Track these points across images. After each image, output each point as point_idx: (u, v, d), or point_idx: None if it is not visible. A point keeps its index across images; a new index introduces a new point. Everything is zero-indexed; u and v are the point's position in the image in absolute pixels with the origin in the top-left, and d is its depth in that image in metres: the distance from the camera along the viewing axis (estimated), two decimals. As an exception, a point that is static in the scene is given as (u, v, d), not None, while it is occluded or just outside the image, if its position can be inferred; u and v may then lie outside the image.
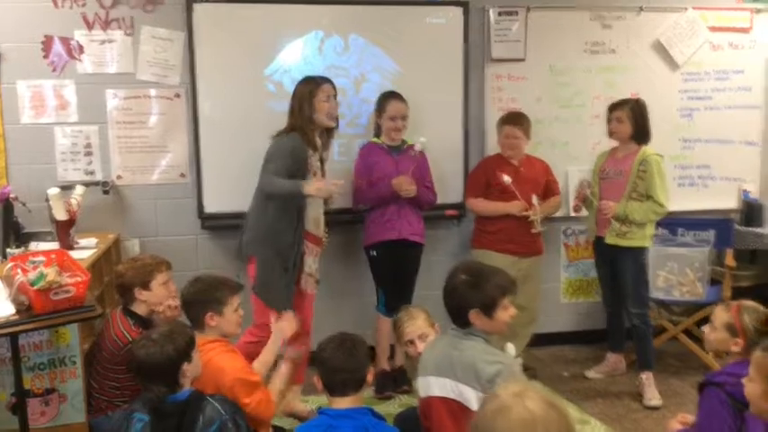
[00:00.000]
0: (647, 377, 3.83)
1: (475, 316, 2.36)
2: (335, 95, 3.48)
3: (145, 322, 2.82)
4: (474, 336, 2.40)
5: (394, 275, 3.88)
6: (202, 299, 2.63)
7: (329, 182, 3.35)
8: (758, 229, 4.45)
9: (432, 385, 2.39)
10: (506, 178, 3.84)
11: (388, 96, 3.87)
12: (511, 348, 2.69)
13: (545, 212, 3.97)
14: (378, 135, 3.93)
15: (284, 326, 2.95)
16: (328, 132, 3.51)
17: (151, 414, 2.20)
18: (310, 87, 3.39)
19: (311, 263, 3.43)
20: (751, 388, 1.96)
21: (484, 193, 3.98)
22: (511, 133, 3.93)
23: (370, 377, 2.30)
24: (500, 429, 1.32)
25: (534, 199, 3.87)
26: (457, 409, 2.32)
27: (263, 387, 2.62)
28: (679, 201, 4.35)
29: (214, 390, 2.45)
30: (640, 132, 3.81)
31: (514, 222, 3.88)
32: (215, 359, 2.54)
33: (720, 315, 2.42)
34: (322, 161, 3.49)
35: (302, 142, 3.30)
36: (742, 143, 4.67)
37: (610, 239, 3.83)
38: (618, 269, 3.89)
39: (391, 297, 3.83)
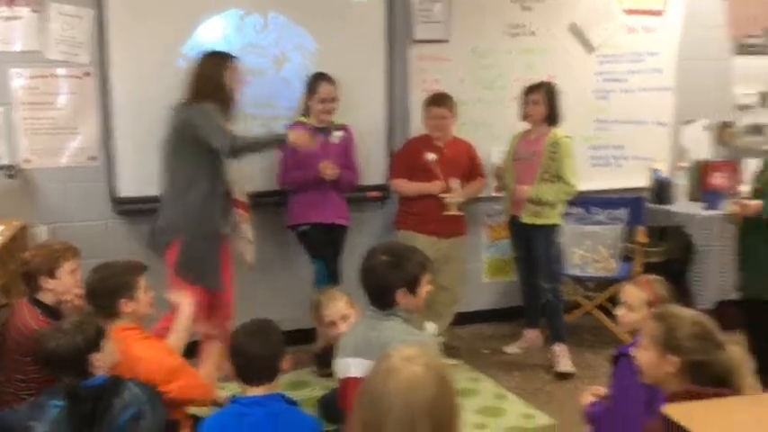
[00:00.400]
0: (560, 349, 3.97)
1: (401, 295, 2.38)
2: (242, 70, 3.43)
3: (52, 312, 2.72)
4: (394, 316, 2.41)
5: (329, 245, 3.89)
6: (112, 286, 2.53)
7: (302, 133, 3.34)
8: (668, 207, 4.65)
9: (349, 366, 2.40)
10: (431, 155, 3.88)
11: (319, 78, 3.84)
12: (431, 327, 2.74)
13: (468, 195, 4.03)
14: (306, 114, 3.89)
15: (183, 304, 2.84)
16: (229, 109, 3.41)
17: (67, 399, 2.14)
18: (225, 61, 3.32)
19: (247, 229, 3.39)
20: (643, 356, 1.97)
21: (408, 174, 4.01)
22: (438, 114, 3.96)
23: (285, 365, 2.29)
24: (389, 390, 1.37)
25: (455, 183, 3.93)
26: None
27: (188, 370, 2.55)
28: (594, 180, 4.49)
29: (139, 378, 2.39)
30: (552, 115, 3.93)
31: (435, 203, 3.93)
32: (131, 348, 2.46)
33: (636, 294, 2.41)
34: None
35: (219, 112, 3.25)
36: (654, 124, 4.84)
37: (526, 218, 3.94)
38: (532, 246, 4.01)
39: (328, 267, 3.83)
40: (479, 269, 4.71)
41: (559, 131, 3.94)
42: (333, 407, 3.05)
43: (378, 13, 4.22)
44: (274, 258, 4.22)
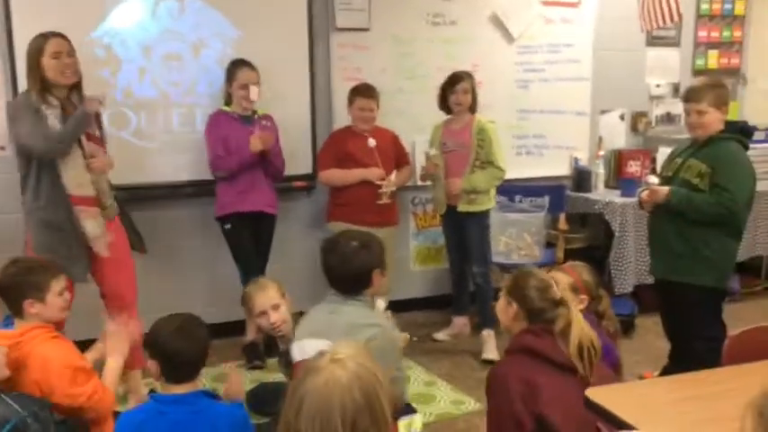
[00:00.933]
0: (488, 334, 4.01)
1: (377, 275, 2.46)
2: (70, 51, 3.06)
3: None
4: (356, 300, 2.44)
5: (251, 247, 3.82)
6: (20, 284, 2.38)
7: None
8: (587, 195, 4.77)
9: (305, 347, 2.35)
10: (372, 141, 3.86)
11: (239, 64, 3.75)
12: (380, 303, 2.73)
13: (399, 183, 4.04)
14: (228, 103, 3.79)
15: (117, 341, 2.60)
16: (77, 89, 3.15)
17: None
18: (38, 43, 3.03)
19: (94, 225, 3.10)
20: (498, 304, 2.32)
21: (337, 165, 3.96)
22: (365, 105, 3.93)
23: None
24: (306, 387, 1.36)
25: (392, 175, 3.95)
26: None
27: (96, 376, 2.43)
28: (516, 169, 4.55)
29: (40, 379, 2.26)
30: (474, 103, 3.97)
31: (368, 193, 3.90)
32: (37, 348, 2.32)
33: (561, 279, 2.50)
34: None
35: (37, 98, 2.98)
36: (573, 113, 4.96)
37: (462, 207, 3.97)
38: (467, 233, 4.03)
39: (250, 269, 3.74)
40: (407, 257, 4.71)
41: (482, 118, 3.98)
42: (262, 399, 2.98)
43: (299, 1, 4.14)
44: (202, 249, 4.12)
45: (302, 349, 2.37)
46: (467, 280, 4.21)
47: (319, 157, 4.11)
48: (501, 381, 2.16)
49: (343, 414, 1.33)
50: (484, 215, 4.02)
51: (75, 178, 3.04)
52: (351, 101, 3.99)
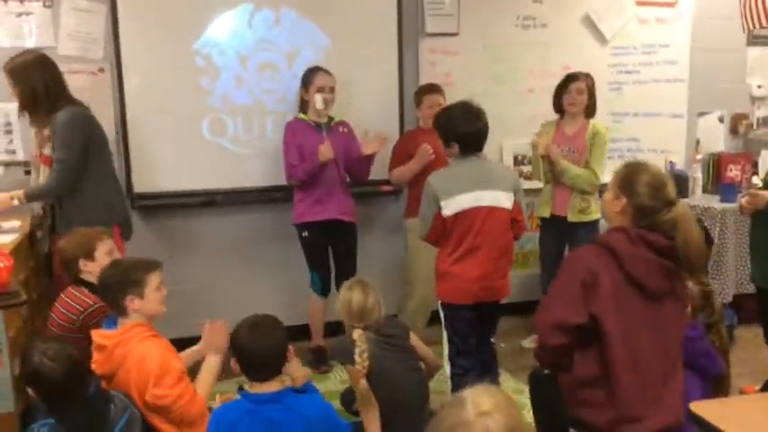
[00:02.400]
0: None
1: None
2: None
3: (96, 290, 2.75)
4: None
5: (329, 256, 3.87)
6: (120, 282, 2.50)
7: None
8: (684, 200, 4.59)
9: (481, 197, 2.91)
10: (426, 146, 3.78)
11: (315, 70, 3.81)
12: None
13: None
14: (304, 111, 3.86)
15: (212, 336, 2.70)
16: None
17: (55, 416, 2.09)
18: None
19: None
20: (605, 196, 2.29)
21: (402, 164, 3.94)
22: (434, 101, 3.90)
23: (290, 356, 2.28)
24: None
25: None
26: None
27: (187, 380, 2.48)
28: (609, 173, 4.43)
29: (136, 377, 2.37)
30: (592, 106, 3.86)
31: None
32: (136, 346, 2.43)
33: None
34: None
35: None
36: (668, 116, 4.81)
37: (572, 218, 3.88)
38: (574, 243, 3.84)
39: (326, 278, 3.83)
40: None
41: (599, 123, 3.89)
42: (352, 400, 3.04)
43: (389, 7, 4.20)
44: (278, 254, 4.20)
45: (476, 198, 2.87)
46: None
47: (391, 158, 4.07)
48: (571, 261, 2.21)
49: None
50: (594, 224, 3.91)
51: None
52: (419, 101, 3.99)
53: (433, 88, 3.97)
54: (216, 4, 3.92)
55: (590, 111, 3.89)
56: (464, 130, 2.99)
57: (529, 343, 4.21)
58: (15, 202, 3.22)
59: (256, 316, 2.26)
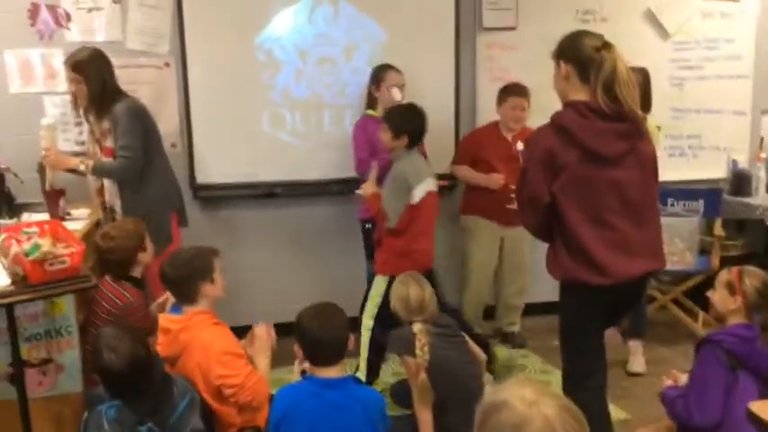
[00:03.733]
0: (636, 345, 3.88)
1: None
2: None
3: (139, 283, 2.84)
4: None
5: None
6: (193, 271, 2.56)
7: None
8: (746, 199, 4.49)
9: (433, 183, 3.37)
10: (520, 145, 3.81)
11: (386, 67, 3.85)
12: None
13: None
14: (373, 107, 3.89)
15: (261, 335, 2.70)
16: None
17: (123, 397, 2.14)
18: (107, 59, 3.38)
19: None
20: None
21: (471, 162, 3.99)
22: (518, 105, 3.89)
23: (351, 344, 2.32)
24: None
25: None
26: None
27: (251, 366, 2.54)
28: (669, 171, 4.34)
29: (202, 362, 2.42)
30: (646, 102, 3.76)
31: (498, 194, 3.89)
32: (201, 333, 2.50)
33: (722, 276, 2.52)
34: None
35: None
36: (731, 113, 4.69)
37: None
38: None
39: None
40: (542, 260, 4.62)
41: (651, 121, 3.82)
42: (404, 393, 3.08)
43: (447, 2, 4.20)
44: (335, 246, 4.26)
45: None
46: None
47: (457, 150, 4.12)
48: (530, 144, 2.50)
49: None
50: None
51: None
52: (502, 99, 3.95)
53: (522, 91, 3.91)
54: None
55: (644, 106, 3.80)
56: (418, 125, 3.38)
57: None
58: (82, 167, 3.34)
59: (320, 303, 2.34)
